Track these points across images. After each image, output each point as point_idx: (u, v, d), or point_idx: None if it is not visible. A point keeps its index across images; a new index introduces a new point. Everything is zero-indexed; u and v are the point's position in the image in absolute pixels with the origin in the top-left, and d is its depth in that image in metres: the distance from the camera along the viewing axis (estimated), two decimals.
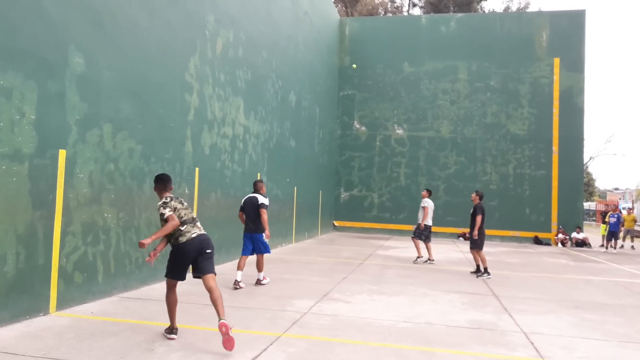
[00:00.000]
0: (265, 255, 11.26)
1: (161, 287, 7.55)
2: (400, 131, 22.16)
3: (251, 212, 8.10)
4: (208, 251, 5.10)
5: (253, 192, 8.30)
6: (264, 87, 12.55)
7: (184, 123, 8.63)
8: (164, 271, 7.50)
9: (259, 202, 8.10)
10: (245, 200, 8.26)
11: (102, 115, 6.57)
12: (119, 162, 6.93)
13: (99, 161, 6.51)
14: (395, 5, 43.18)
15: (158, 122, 7.86)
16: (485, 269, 10.24)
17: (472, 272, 10.69)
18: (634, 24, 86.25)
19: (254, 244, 8.16)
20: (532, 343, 5.41)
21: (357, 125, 22.62)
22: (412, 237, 12.25)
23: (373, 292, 7.98)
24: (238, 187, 10.87)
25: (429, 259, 12.07)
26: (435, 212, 21.22)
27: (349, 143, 22.53)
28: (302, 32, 16.04)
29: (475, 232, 10.30)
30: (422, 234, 12.09)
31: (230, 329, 4.59)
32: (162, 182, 5.22)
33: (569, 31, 21.04)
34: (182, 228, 5.04)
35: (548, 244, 20.01)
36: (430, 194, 12.60)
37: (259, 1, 12.09)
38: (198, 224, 5.23)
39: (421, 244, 12.17)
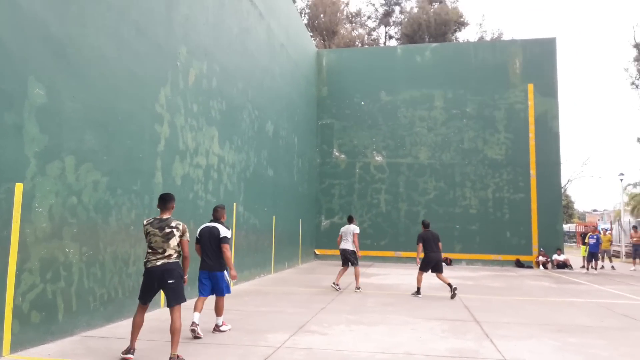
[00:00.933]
0: (241, 287, 10.96)
1: (127, 324, 7.20)
2: (379, 158, 22.20)
3: (210, 245, 6.69)
4: (170, 281, 5.25)
5: (212, 221, 6.94)
6: (240, 117, 12.45)
7: (154, 154, 8.43)
8: (131, 308, 7.23)
9: (221, 235, 6.68)
10: (202, 230, 6.84)
11: (64, 147, 6.35)
12: (83, 195, 6.68)
13: (60, 194, 6.25)
14: (372, 38, 44.03)
15: (125, 153, 7.66)
16: (418, 289, 11.07)
17: (412, 294, 11.17)
18: (604, 49, 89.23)
19: (214, 284, 6.75)
20: None
21: (337, 154, 22.62)
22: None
23: (351, 322, 7.73)
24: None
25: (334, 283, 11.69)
26: (415, 238, 21.22)
27: (329, 171, 22.47)
28: (279, 64, 16.10)
29: (417, 257, 11.46)
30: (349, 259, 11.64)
31: None
32: (159, 202, 5.60)
33: (541, 58, 21.53)
34: (148, 251, 5.36)
35: (530, 267, 19.95)
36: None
37: (233, 33, 12.11)
38: (169, 252, 5.32)
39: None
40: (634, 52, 28.66)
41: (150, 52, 8.42)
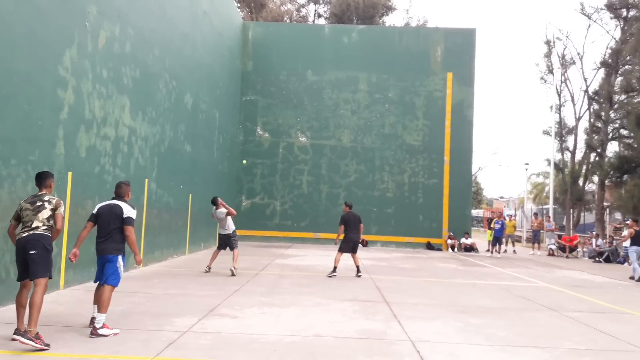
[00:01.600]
0: (150, 269, 10.52)
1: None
2: (303, 139, 22.12)
3: (109, 225, 5.72)
4: (32, 252, 5.03)
5: (113, 198, 6.00)
6: (155, 87, 11.76)
7: (55, 121, 7.71)
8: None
9: (124, 215, 5.73)
10: (101, 208, 5.87)
11: None
12: None
13: None
14: (301, 14, 43.48)
15: (22, 119, 6.92)
16: (335, 268, 11.24)
17: (327, 275, 11.20)
18: (519, 45, 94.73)
19: (103, 269, 5.73)
20: (418, 352, 5.37)
21: (260, 132, 22.25)
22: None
23: (264, 304, 7.62)
24: None
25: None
26: (335, 219, 21.49)
27: (252, 149, 22.07)
28: (201, 33, 15.37)
29: (337, 238, 11.75)
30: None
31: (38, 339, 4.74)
32: (35, 180, 5.50)
33: (461, 48, 22.33)
34: (20, 227, 5.21)
35: (440, 249, 20.95)
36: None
37: None
38: (37, 224, 5.15)
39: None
40: (545, 48, 30.53)
41: (54, 9, 7.63)
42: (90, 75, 8.72)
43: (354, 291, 9.25)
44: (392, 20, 46.22)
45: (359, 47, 22.39)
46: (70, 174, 8.12)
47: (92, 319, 5.60)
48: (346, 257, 11.70)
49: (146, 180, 11.24)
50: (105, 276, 5.63)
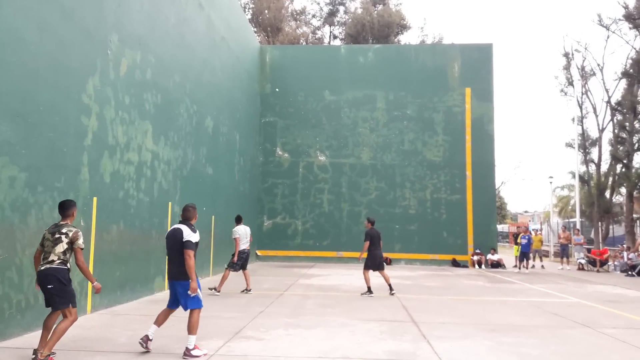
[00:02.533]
0: None
1: None
2: (322, 158, 22.16)
3: (173, 250, 5.87)
4: (49, 286, 5.22)
5: (180, 222, 6.05)
6: (177, 112, 11.93)
7: (80, 148, 7.84)
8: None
9: (184, 239, 5.75)
10: (168, 233, 6.05)
11: None
12: None
13: None
14: (317, 37, 44.04)
15: (47, 146, 7.06)
16: (369, 288, 11.03)
17: (362, 294, 11.09)
18: (537, 58, 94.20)
19: (178, 295, 5.88)
20: None
21: (280, 152, 22.36)
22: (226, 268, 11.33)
23: (289, 325, 7.52)
24: (145, 218, 10.07)
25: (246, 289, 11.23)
26: (357, 238, 21.29)
27: (272, 170, 22.17)
28: (219, 58, 15.63)
29: (361, 255, 11.51)
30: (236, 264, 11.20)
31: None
32: (72, 208, 5.59)
33: (478, 63, 22.24)
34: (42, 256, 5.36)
35: (465, 266, 20.56)
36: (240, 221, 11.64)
37: (170, 23, 11.57)
38: (52, 257, 5.27)
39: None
40: (564, 61, 30.23)
41: (77, 39, 7.83)
42: (113, 102, 8.88)
43: (380, 311, 9.08)
44: (407, 38, 46.46)
45: (375, 66, 22.48)
46: (95, 199, 8.22)
47: (145, 336, 5.72)
48: (370, 274, 11.51)
49: (169, 203, 11.32)
50: (185, 302, 5.80)
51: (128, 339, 6.37)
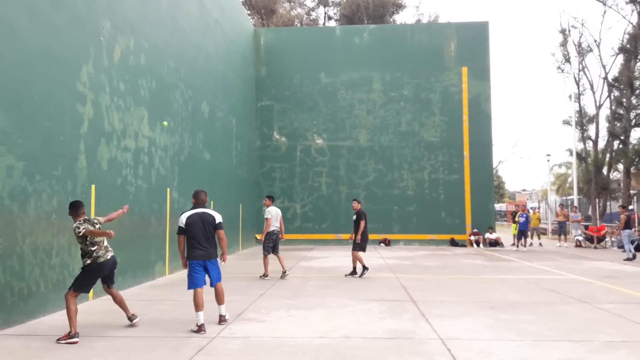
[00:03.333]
0: (176, 276, 10.70)
1: (50, 319, 6.73)
2: (320, 141, 22.13)
3: (205, 232, 6.34)
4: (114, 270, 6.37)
5: (199, 207, 6.47)
6: (172, 97, 11.87)
7: (76, 136, 7.83)
8: (56, 302, 6.77)
9: (217, 221, 6.44)
10: (191, 217, 6.33)
11: None
12: None
13: None
14: (311, 18, 43.57)
15: (44, 135, 7.04)
16: (364, 266, 10.97)
17: (346, 275, 11.19)
18: (533, 36, 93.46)
19: (210, 272, 6.41)
20: (449, 350, 5.29)
21: (277, 136, 22.32)
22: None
23: (290, 307, 7.61)
24: (144, 204, 10.10)
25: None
26: None
27: (269, 154, 22.16)
28: (213, 42, 15.49)
29: (357, 236, 11.15)
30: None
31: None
32: (73, 209, 6.06)
33: (474, 42, 22.10)
34: (93, 249, 5.97)
35: (464, 246, 20.71)
36: (271, 200, 11.50)
37: (162, 7, 11.45)
38: (107, 243, 6.19)
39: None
40: (560, 37, 30.03)
41: (70, 26, 7.76)
42: (108, 88, 8.84)
43: (380, 291, 9.18)
44: (402, 18, 46.01)
45: (371, 47, 22.32)
46: (93, 186, 8.23)
47: (222, 316, 6.54)
48: (369, 256, 11.59)
49: (168, 189, 11.34)
50: (217, 276, 6.52)
51: (130, 324, 6.44)
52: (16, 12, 6.56)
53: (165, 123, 8.47)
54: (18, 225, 6.48)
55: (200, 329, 5.96)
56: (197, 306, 6.10)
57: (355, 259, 11.15)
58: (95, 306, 7.71)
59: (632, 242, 18.62)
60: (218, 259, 6.54)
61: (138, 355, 5.07)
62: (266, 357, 5.01)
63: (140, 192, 9.96)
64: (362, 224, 11.09)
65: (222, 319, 6.46)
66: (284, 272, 10.94)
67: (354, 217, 11.41)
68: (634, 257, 15.13)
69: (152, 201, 10.49)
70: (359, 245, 11.15)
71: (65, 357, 5.01)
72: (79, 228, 5.83)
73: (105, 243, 6.11)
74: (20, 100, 6.60)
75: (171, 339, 5.70)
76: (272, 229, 10.97)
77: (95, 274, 6.03)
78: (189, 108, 12.98)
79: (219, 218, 6.51)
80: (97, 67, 8.50)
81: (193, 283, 6.26)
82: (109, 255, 6.11)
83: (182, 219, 6.35)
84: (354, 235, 11.23)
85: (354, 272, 11.16)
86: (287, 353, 5.15)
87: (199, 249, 6.29)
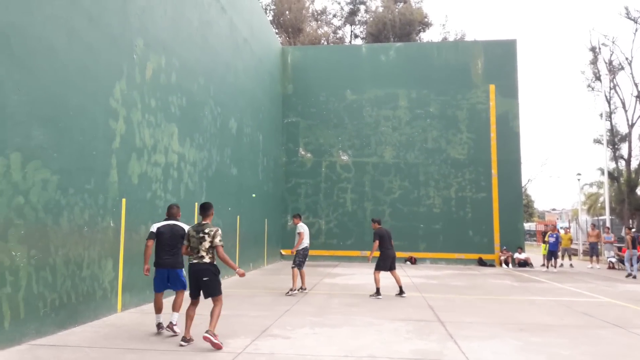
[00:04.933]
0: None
1: (81, 330, 6.84)
2: (345, 157, 22.16)
3: (173, 243, 6.85)
4: (204, 279, 6.11)
5: (170, 219, 7.05)
6: (201, 114, 12.09)
7: (108, 151, 8.03)
8: (86, 313, 6.91)
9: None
10: (164, 227, 6.87)
11: (9, 143, 5.93)
12: (30, 194, 6.26)
13: (4, 194, 5.83)
14: (338, 36, 44.04)
15: (77, 150, 7.25)
16: (378, 289, 10.71)
17: (370, 295, 10.82)
18: (562, 54, 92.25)
19: (172, 281, 6.92)
20: None
21: (303, 152, 22.44)
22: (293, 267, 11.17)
23: (315, 324, 7.56)
24: None
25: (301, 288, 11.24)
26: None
27: (295, 170, 22.28)
28: (242, 60, 15.78)
29: (370, 255, 11.26)
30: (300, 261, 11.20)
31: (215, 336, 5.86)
32: (200, 210, 6.49)
33: (502, 59, 21.92)
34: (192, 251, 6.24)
35: (492, 265, 20.28)
36: (300, 218, 11.71)
37: (193, 27, 11.74)
38: (201, 253, 6.15)
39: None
40: (590, 55, 29.59)
41: (104, 44, 8.02)
42: (140, 105, 9.06)
43: (406, 310, 9.05)
44: (429, 36, 46.02)
45: (397, 64, 22.37)
46: (124, 200, 8.40)
47: (159, 324, 6.80)
48: (387, 275, 11.45)
49: (196, 203, 11.48)
50: (180, 284, 6.90)
51: (158, 336, 6.50)
52: (55, 33, 6.82)
53: (254, 195, 8.53)
54: (51, 237, 6.64)
55: (158, 327, 6.73)
56: (157, 310, 6.84)
57: (376, 278, 10.99)
58: (123, 318, 7.80)
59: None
60: (183, 271, 6.89)
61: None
62: None
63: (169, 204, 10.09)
64: (375, 244, 11.02)
65: (170, 326, 6.67)
66: (302, 288, 11.15)
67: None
68: (635, 276, 16.28)
69: (181, 215, 10.61)
70: (376, 264, 11.03)
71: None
72: (219, 236, 6.19)
73: (200, 252, 6.22)
74: (56, 116, 6.82)
75: (197, 354, 5.72)
76: (305, 245, 11.19)
77: (189, 276, 6.33)
78: (218, 124, 13.19)
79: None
80: (130, 84, 8.74)
81: (156, 287, 6.90)
82: (195, 260, 6.24)
83: (155, 226, 6.91)
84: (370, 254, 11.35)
85: (377, 293, 10.84)
86: None
87: (165, 258, 6.80)
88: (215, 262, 6.20)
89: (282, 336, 6.70)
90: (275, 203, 20.60)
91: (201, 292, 6.19)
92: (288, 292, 10.84)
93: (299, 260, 11.11)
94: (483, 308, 9.51)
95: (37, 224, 6.39)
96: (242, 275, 6.28)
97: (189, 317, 6.18)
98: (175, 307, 6.83)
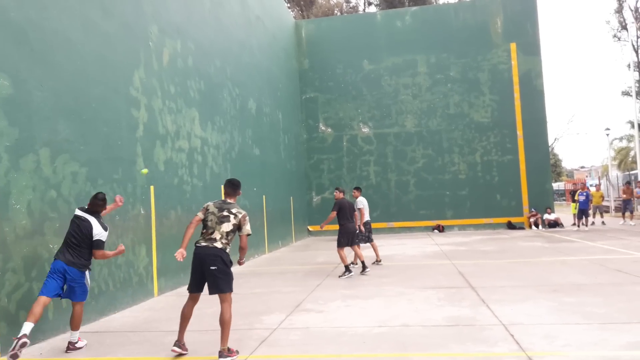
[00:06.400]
0: (235, 270, 10.91)
1: (120, 316, 7.09)
2: (366, 129, 22.00)
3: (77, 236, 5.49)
4: (212, 267, 4.90)
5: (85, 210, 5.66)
6: (220, 96, 12.13)
7: (133, 140, 8.16)
8: (124, 299, 7.14)
9: (93, 236, 5.47)
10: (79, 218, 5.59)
11: (37, 139, 6.07)
12: (62, 187, 6.43)
13: (37, 189, 6.01)
14: (351, 5, 43.24)
15: (103, 141, 7.38)
16: (346, 267, 9.68)
17: (339, 276, 9.70)
18: (585, 3, 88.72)
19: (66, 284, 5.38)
20: (512, 335, 5.17)
21: (323, 128, 22.36)
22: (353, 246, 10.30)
23: (347, 297, 7.66)
24: (200, 202, 10.38)
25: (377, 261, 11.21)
26: (407, 207, 21.18)
27: (316, 146, 22.25)
28: (256, 37, 15.67)
29: (323, 225, 10.18)
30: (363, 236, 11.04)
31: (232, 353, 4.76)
32: (228, 186, 5.42)
33: (522, 16, 21.24)
34: (202, 231, 5.16)
35: (522, 228, 20.09)
36: (360, 191, 11.50)
37: (205, 8, 11.68)
38: (215, 235, 5.01)
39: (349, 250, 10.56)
40: (615, 3, 28.45)
41: (120, 33, 8.06)
42: (159, 92, 9.13)
43: (436, 278, 9.08)
44: None
45: (414, 30, 21.90)
46: (152, 187, 8.56)
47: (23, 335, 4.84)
48: (423, 244, 11.45)
49: (222, 186, 11.62)
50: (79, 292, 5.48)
51: (195, 318, 6.66)
52: (70, 25, 6.88)
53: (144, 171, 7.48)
54: None
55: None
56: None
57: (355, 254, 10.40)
58: (160, 302, 8.04)
59: None
60: (86, 274, 5.52)
61: (205, 348, 5.25)
62: (327, 347, 5.08)
63: (196, 191, 10.28)
64: (331, 215, 10.02)
65: (70, 346, 5.46)
66: (377, 261, 11.21)
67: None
68: None
69: (208, 198, 10.77)
70: (337, 240, 10.10)
71: (137, 352, 5.28)
72: (249, 223, 5.22)
73: (215, 234, 5.09)
74: (80, 109, 6.93)
75: (234, 332, 5.85)
76: (367, 218, 11.26)
77: (192, 264, 5.16)
78: (237, 106, 13.22)
79: (95, 228, 5.45)
80: (148, 71, 8.80)
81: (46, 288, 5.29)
82: (204, 243, 5.09)
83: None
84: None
85: (347, 270, 9.67)
86: (347, 342, 5.20)
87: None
88: (228, 251, 5.07)
89: (315, 310, 6.82)
90: (299, 180, 20.69)
91: (205, 285, 5.04)
92: (364, 271, 9.98)
93: (366, 235, 11.14)
94: (514, 271, 9.47)
95: (71, 215, 6.53)
96: (241, 264, 5.40)
97: (185, 317, 5.07)
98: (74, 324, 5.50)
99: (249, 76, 14.49)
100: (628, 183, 20.91)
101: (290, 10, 30.87)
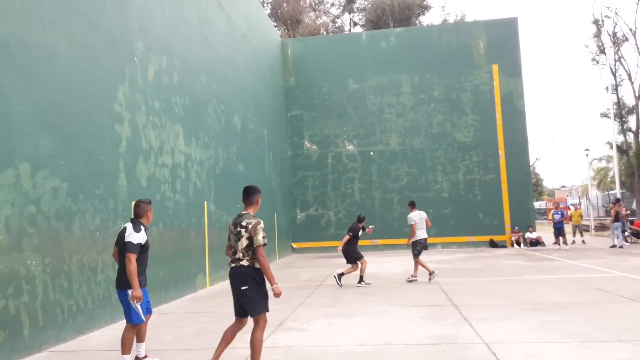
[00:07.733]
0: (217, 288, 10.67)
1: (99, 335, 6.94)
2: (350, 147, 22.13)
3: (120, 253, 5.27)
4: (242, 288, 4.59)
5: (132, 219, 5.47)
6: (205, 112, 12.11)
7: (115, 155, 8.09)
8: (103, 317, 6.98)
9: (125, 239, 5.12)
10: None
11: (17, 153, 5.98)
12: (41, 202, 6.33)
13: (16, 204, 5.90)
14: (337, 25, 43.80)
15: (85, 156, 7.30)
16: (340, 275, 10.95)
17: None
18: (565, 28, 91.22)
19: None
20: (495, 354, 5.19)
21: (308, 145, 22.44)
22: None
23: (330, 315, 7.61)
24: (182, 218, 10.32)
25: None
26: (391, 225, 21.20)
27: (301, 163, 22.30)
28: (242, 55, 15.75)
29: (341, 246, 11.34)
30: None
31: None
32: (243, 196, 4.97)
33: (504, 38, 21.73)
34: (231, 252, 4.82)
35: (504, 246, 20.26)
36: (413, 206, 11.70)
37: (192, 25, 11.73)
38: (238, 254, 4.67)
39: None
40: (594, 28, 29.24)
41: (105, 48, 8.04)
42: (144, 107, 9.10)
43: (420, 296, 9.08)
44: (428, 19, 45.68)
45: (398, 50, 22.24)
46: (133, 203, 8.44)
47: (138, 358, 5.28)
48: (405, 262, 11.47)
49: (205, 202, 11.55)
50: (127, 314, 5.24)
51: (175, 337, 6.58)
52: (55, 39, 6.84)
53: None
54: (64, 244, 6.72)
55: None
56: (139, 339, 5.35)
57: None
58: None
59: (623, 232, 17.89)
60: (129, 293, 5.18)
61: None
62: None
63: (178, 207, 10.19)
64: (346, 237, 11.31)
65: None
66: (431, 273, 11.07)
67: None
68: (621, 246, 17.65)
69: (191, 215, 10.71)
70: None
71: None
72: (262, 232, 4.68)
73: (238, 254, 4.73)
74: (62, 123, 6.87)
75: (212, 351, 5.77)
76: (419, 237, 11.16)
77: (231, 287, 4.84)
78: (222, 122, 13.21)
79: (129, 234, 5.19)
80: (133, 87, 8.77)
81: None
82: (232, 264, 4.76)
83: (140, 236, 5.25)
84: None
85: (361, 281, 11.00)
86: None
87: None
88: (257, 266, 4.66)
89: (298, 329, 6.76)
90: (284, 197, 20.65)
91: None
92: (410, 279, 11.04)
93: (416, 249, 11.12)
94: (496, 289, 9.52)
95: (50, 231, 6.46)
96: (278, 295, 4.64)
97: (223, 337, 4.78)
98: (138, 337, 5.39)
99: (234, 93, 14.52)
100: (614, 202, 21.19)
101: (276, 29, 31.16)
